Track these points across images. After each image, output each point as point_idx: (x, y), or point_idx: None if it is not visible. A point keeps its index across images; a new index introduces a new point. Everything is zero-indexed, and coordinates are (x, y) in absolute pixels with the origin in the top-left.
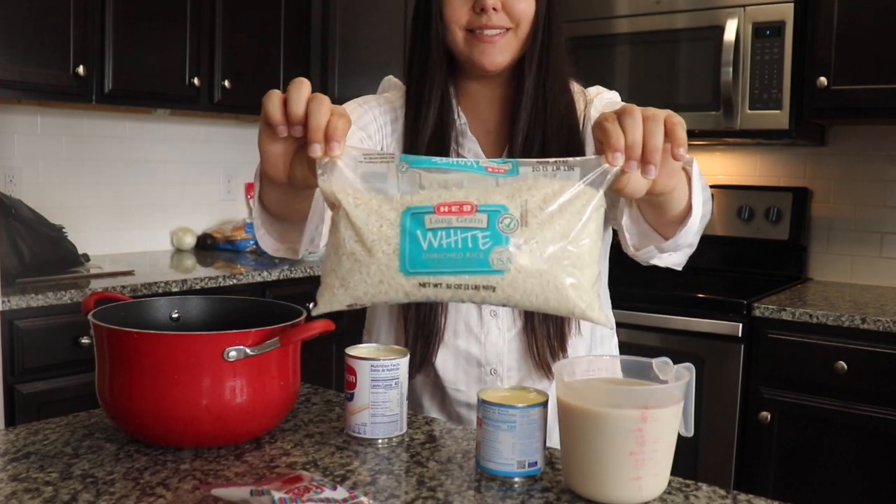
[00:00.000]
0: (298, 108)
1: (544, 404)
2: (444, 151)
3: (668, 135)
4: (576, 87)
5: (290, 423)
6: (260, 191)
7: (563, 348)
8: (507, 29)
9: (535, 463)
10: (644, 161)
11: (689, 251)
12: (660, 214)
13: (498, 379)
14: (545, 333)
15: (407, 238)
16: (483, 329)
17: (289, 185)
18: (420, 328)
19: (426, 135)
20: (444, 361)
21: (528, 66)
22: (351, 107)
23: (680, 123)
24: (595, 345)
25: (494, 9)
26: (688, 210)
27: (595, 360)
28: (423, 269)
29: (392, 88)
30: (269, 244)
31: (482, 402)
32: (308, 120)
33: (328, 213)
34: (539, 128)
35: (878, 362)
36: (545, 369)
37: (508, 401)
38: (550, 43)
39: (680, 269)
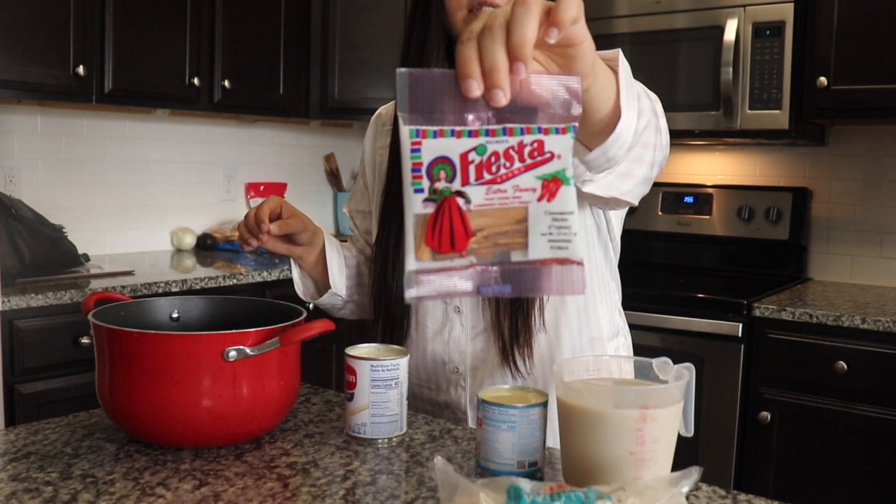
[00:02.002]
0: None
1: (544, 404)
2: None
3: (509, 41)
4: None
5: (290, 423)
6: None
7: (529, 344)
8: None
9: (535, 463)
10: (486, 87)
11: (640, 183)
12: (582, 121)
13: (461, 378)
14: (512, 331)
15: None
16: (447, 326)
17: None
18: (386, 322)
19: None
20: (409, 357)
21: None
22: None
23: (526, 15)
24: (583, 347)
25: None
26: (616, 115)
27: (596, 360)
28: None
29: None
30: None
31: (482, 402)
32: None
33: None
34: None
35: (878, 362)
36: (510, 366)
37: (508, 401)
38: None
39: (633, 202)
